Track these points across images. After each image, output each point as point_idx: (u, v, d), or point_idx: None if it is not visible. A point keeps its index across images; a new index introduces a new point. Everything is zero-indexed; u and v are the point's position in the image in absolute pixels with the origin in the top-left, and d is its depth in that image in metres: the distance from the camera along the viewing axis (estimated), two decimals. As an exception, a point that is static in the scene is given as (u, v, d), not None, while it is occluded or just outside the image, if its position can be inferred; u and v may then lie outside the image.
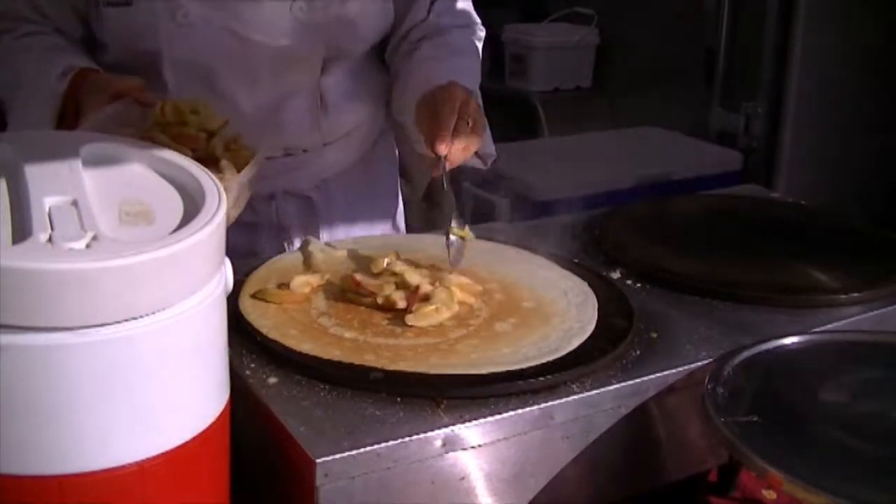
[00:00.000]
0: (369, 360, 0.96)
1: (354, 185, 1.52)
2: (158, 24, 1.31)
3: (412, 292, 1.08)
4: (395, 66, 1.49)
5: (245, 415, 0.88)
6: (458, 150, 1.20)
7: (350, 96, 1.46)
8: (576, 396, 0.95)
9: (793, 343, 1.06)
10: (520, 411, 0.92)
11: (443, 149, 1.19)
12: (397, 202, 1.64)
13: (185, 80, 1.33)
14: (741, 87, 3.10)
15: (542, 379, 0.95)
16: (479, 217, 2.86)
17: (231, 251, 0.81)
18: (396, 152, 1.62)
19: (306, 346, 0.98)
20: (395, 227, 1.62)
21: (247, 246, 1.41)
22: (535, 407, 0.93)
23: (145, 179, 0.83)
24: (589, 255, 1.30)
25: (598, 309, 1.10)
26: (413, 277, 1.10)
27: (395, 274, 1.11)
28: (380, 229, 1.57)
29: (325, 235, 1.45)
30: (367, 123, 1.51)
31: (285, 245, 1.43)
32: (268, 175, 1.32)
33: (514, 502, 0.94)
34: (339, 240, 1.37)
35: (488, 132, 1.34)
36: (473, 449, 0.90)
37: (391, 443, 0.86)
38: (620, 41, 3.57)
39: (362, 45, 1.44)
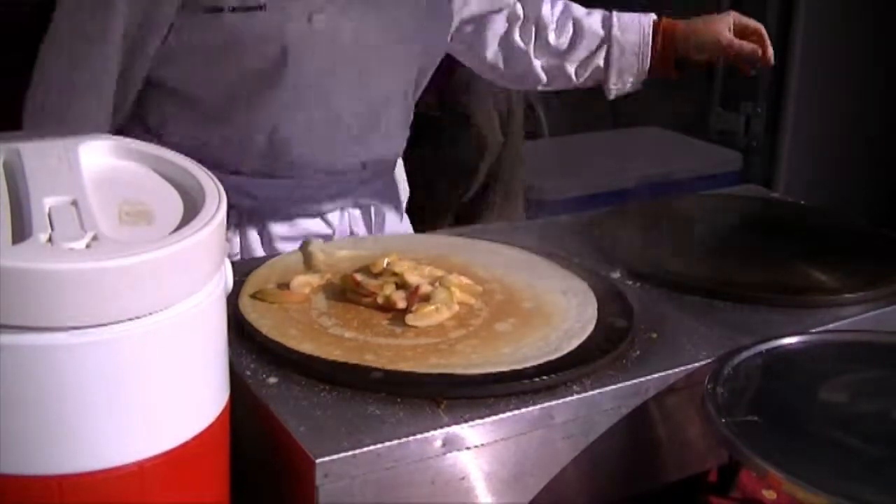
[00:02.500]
0: (369, 360, 0.96)
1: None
2: (288, 27, 1.28)
3: (412, 292, 1.07)
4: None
5: (245, 415, 0.88)
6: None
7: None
8: (576, 396, 0.95)
9: (793, 343, 1.06)
10: (520, 411, 0.92)
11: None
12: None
13: (300, 91, 1.33)
14: (741, 87, 3.10)
15: (542, 379, 0.95)
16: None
17: None
18: None
19: (306, 346, 0.98)
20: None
21: None
22: (535, 407, 0.92)
23: (145, 179, 0.83)
24: (589, 255, 1.30)
25: (598, 309, 1.10)
26: (413, 277, 1.10)
27: (395, 274, 1.11)
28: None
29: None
30: None
31: None
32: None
33: (514, 502, 0.94)
34: (338, 240, 1.37)
35: None
36: (473, 449, 0.90)
37: (391, 443, 0.85)
38: (620, 41, 3.56)
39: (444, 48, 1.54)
